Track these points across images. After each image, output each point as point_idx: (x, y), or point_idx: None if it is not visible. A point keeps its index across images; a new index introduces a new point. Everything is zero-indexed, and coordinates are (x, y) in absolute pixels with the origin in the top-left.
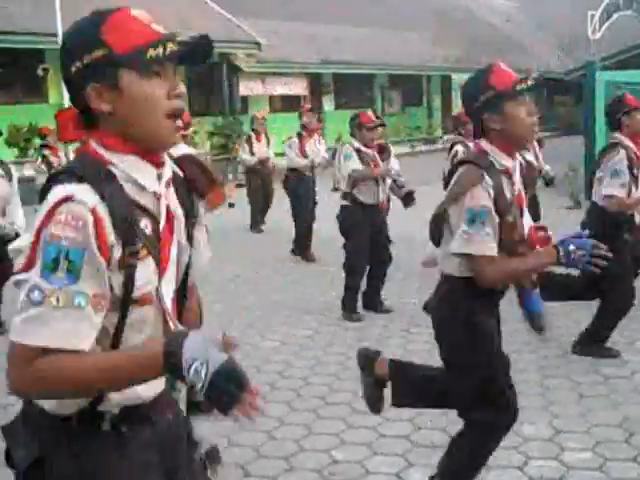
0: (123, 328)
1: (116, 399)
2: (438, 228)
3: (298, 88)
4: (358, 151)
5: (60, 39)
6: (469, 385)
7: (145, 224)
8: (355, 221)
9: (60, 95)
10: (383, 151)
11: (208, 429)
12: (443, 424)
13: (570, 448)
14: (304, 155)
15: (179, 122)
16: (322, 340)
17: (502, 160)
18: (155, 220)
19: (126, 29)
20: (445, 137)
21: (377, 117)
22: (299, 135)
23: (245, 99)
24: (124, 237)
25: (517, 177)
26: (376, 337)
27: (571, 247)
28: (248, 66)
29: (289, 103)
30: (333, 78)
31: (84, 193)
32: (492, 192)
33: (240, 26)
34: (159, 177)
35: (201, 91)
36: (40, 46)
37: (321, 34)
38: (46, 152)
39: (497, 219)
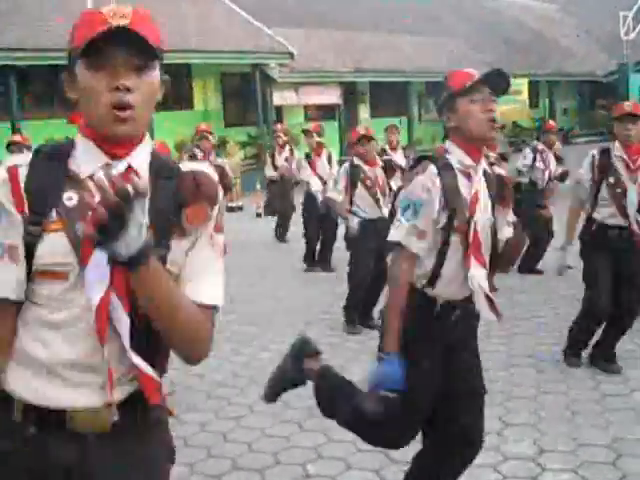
0: (31, 296)
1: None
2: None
3: (332, 97)
4: (355, 167)
5: None
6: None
7: (70, 197)
8: (357, 236)
9: None
10: (387, 169)
11: (190, 440)
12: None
13: (552, 469)
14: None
15: (127, 113)
16: (322, 351)
17: (463, 160)
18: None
19: (85, 22)
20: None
21: (365, 134)
22: (307, 157)
23: (280, 109)
24: (31, 203)
25: (478, 180)
26: (375, 350)
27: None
28: (281, 76)
29: (324, 112)
30: (369, 86)
31: (17, 160)
32: (439, 187)
33: (272, 36)
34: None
35: (235, 102)
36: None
37: (353, 42)
38: None
39: (444, 219)
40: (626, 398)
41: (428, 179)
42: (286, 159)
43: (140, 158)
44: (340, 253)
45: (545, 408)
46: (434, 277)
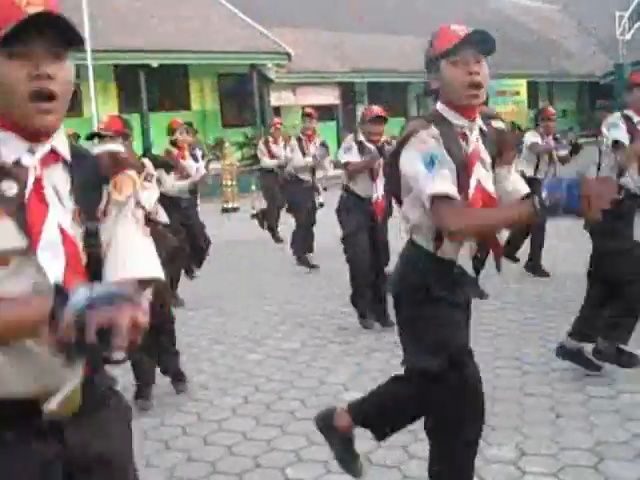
0: None
1: None
2: (393, 172)
3: (330, 97)
4: (360, 143)
5: (89, 54)
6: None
7: (9, 187)
8: (348, 209)
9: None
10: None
11: (171, 443)
12: (405, 442)
13: (532, 472)
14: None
15: (51, 105)
16: (307, 354)
17: (457, 120)
18: (22, 186)
19: (2, 9)
20: None
21: (379, 114)
22: (299, 139)
23: (278, 109)
24: None
25: (474, 139)
26: (364, 351)
27: (544, 193)
28: (278, 77)
29: (322, 112)
30: (367, 87)
31: None
32: (441, 141)
33: (270, 37)
34: (32, 151)
35: (232, 103)
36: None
37: (351, 43)
38: None
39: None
40: (612, 400)
41: (432, 133)
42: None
43: (60, 140)
44: (330, 256)
45: (529, 411)
46: (439, 236)
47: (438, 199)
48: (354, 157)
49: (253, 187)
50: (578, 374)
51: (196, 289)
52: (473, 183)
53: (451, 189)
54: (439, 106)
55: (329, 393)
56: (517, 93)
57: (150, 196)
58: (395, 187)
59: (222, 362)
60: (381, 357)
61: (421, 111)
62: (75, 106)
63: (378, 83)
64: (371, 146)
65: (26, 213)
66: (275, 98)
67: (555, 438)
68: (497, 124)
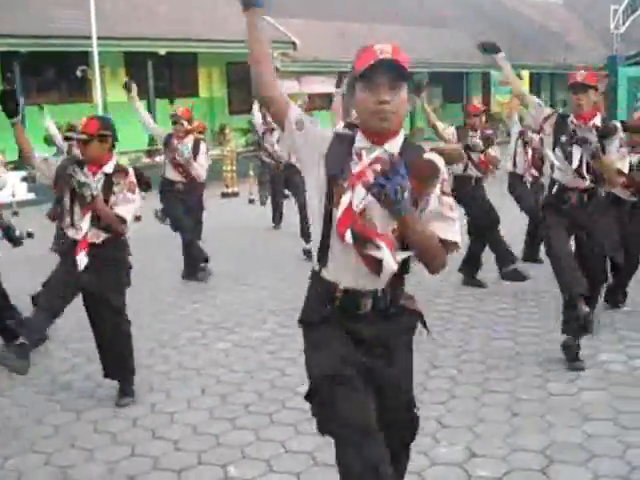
0: None
1: None
2: None
3: (334, 86)
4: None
5: (95, 41)
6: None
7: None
8: None
9: (103, 93)
10: None
11: (118, 436)
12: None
13: (478, 476)
14: None
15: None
16: (275, 343)
17: (360, 141)
18: None
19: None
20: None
21: None
22: None
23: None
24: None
25: (367, 162)
26: None
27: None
28: (284, 65)
29: (328, 101)
30: None
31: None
32: (327, 145)
33: (275, 26)
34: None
35: (239, 90)
36: (78, 49)
37: (354, 32)
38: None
39: (323, 180)
40: (572, 398)
41: (326, 132)
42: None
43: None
44: None
45: (486, 408)
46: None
47: None
48: None
49: (251, 172)
50: (543, 370)
51: (179, 276)
52: (345, 201)
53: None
54: (355, 120)
55: (287, 386)
56: None
57: (129, 209)
58: None
59: (188, 350)
60: None
61: (424, 101)
62: (85, 92)
63: None
64: None
65: None
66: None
67: (507, 438)
68: (429, 156)
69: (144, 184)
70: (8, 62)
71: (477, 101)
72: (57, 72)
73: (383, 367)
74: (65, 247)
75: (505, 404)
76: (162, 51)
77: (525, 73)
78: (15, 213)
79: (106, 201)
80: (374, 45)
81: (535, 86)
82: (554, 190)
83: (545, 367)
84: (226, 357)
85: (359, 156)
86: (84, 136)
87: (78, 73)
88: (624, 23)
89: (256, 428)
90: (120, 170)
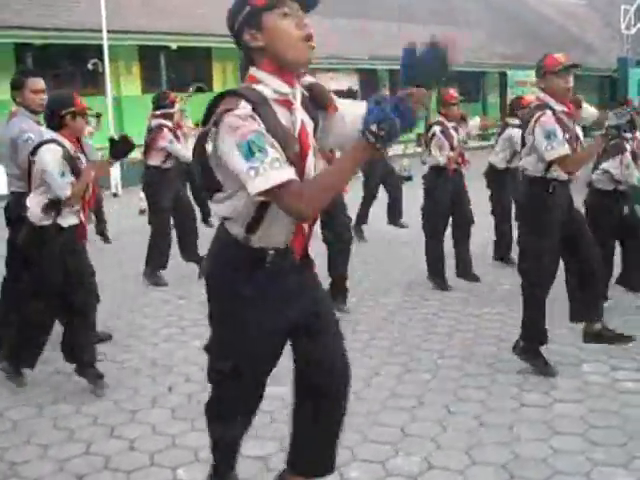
0: None
1: None
2: (201, 163)
3: (348, 83)
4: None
5: (105, 34)
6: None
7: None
8: None
9: (117, 87)
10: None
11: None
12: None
13: None
14: None
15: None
16: None
17: (279, 88)
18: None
19: None
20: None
21: None
22: None
23: None
24: None
25: (299, 107)
26: None
27: (372, 127)
28: None
29: (344, 97)
30: (389, 74)
31: None
32: (259, 120)
33: None
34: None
35: None
36: (90, 42)
37: (370, 30)
38: None
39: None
40: (545, 410)
41: (243, 112)
42: None
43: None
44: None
45: (452, 417)
46: (255, 223)
47: (275, 190)
48: None
49: None
50: (521, 378)
51: (169, 270)
52: (310, 159)
53: (282, 175)
54: (256, 72)
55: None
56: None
57: None
58: (209, 179)
59: (165, 347)
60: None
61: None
62: (99, 85)
63: (398, 70)
64: None
65: None
66: None
67: (470, 450)
68: (309, 79)
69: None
70: (22, 54)
71: (494, 100)
72: (71, 65)
73: (313, 318)
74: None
75: (474, 413)
76: (174, 45)
77: None
78: None
79: None
80: None
81: None
82: (550, 189)
83: (524, 376)
84: (200, 355)
85: (287, 104)
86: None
87: (89, 66)
88: (635, 24)
89: None
90: None
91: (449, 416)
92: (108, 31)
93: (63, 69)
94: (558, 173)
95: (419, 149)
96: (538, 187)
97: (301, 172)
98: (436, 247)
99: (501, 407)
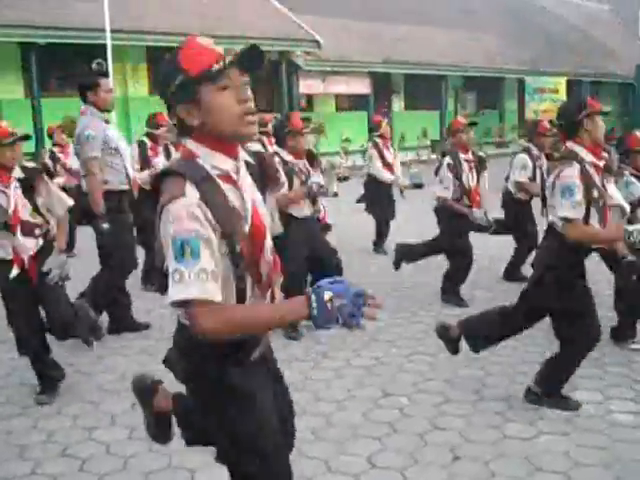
0: None
1: None
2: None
3: (360, 87)
4: (285, 163)
5: (108, 34)
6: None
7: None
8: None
9: (124, 87)
10: (312, 161)
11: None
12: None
13: None
14: None
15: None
16: None
17: (220, 163)
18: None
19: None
20: (520, 141)
21: (304, 119)
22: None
23: (310, 97)
24: None
25: (245, 180)
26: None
27: (326, 295)
28: (308, 64)
29: (355, 102)
30: (403, 78)
31: None
32: (205, 209)
33: (300, 24)
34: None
35: (262, 89)
36: (95, 41)
37: (383, 33)
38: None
39: (225, 246)
40: (528, 444)
41: (189, 202)
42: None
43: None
44: None
45: (427, 448)
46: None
47: (193, 301)
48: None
49: None
50: (506, 406)
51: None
52: (268, 242)
53: (204, 291)
54: (194, 147)
55: None
56: (556, 91)
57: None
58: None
59: (138, 359)
60: (303, 366)
61: (458, 105)
62: None
63: (414, 75)
64: (298, 162)
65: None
66: (304, 86)
67: None
68: (254, 147)
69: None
70: (27, 53)
71: (512, 107)
72: (77, 64)
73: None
74: None
75: (450, 444)
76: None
77: (562, 80)
78: None
79: None
80: (199, 39)
81: (575, 93)
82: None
83: (510, 403)
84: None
85: (231, 180)
86: None
87: (94, 66)
88: None
89: (169, 453)
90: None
91: (423, 447)
92: (113, 31)
93: (69, 69)
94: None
95: (433, 156)
96: (570, 247)
97: (257, 257)
98: (463, 265)
99: (480, 438)
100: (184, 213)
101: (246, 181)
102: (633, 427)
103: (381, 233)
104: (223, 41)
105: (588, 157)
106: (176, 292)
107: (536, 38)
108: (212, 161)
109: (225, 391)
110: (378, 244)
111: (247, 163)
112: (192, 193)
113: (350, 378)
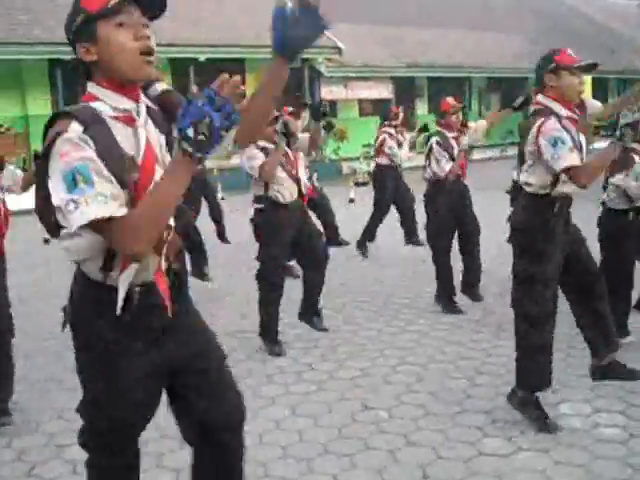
0: None
1: None
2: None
3: (382, 92)
4: (263, 149)
5: None
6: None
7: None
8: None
9: None
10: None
11: None
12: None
13: None
14: None
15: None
16: None
17: (118, 103)
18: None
19: None
20: None
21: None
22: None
23: (334, 103)
24: None
25: (144, 123)
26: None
27: (190, 131)
28: (330, 70)
29: (378, 107)
30: (427, 81)
31: None
32: (91, 144)
33: None
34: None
35: (285, 96)
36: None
37: (405, 37)
38: None
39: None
40: (504, 461)
41: (72, 135)
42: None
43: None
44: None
45: (396, 467)
46: (110, 259)
47: (99, 225)
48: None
49: None
50: (486, 420)
51: None
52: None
53: (103, 211)
54: (94, 89)
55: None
56: None
57: None
58: (49, 214)
59: None
60: (286, 379)
61: (482, 107)
62: None
63: (437, 78)
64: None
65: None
66: (326, 92)
67: None
68: (161, 86)
69: None
70: (53, 69)
71: None
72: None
73: (194, 357)
74: None
75: (421, 462)
76: (202, 57)
77: (587, 77)
78: None
79: None
80: None
81: (601, 91)
82: (556, 208)
83: (491, 417)
84: None
85: (129, 121)
86: None
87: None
88: None
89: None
90: None
91: (392, 464)
92: None
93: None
94: (565, 189)
95: None
96: (541, 206)
97: (143, 194)
98: (445, 266)
99: (455, 455)
100: (68, 145)
101: (146, 125)
102: (619, 442)
103: (408, 224)
104: (250, 50)
105: (562, 111)
106: (75, 218)
107: (561, 37)
108: (112, 102)
109: (94, 346)
110: (410, 237)
111: (149, 108)
112: (76, 127)
113: (331, 392)
